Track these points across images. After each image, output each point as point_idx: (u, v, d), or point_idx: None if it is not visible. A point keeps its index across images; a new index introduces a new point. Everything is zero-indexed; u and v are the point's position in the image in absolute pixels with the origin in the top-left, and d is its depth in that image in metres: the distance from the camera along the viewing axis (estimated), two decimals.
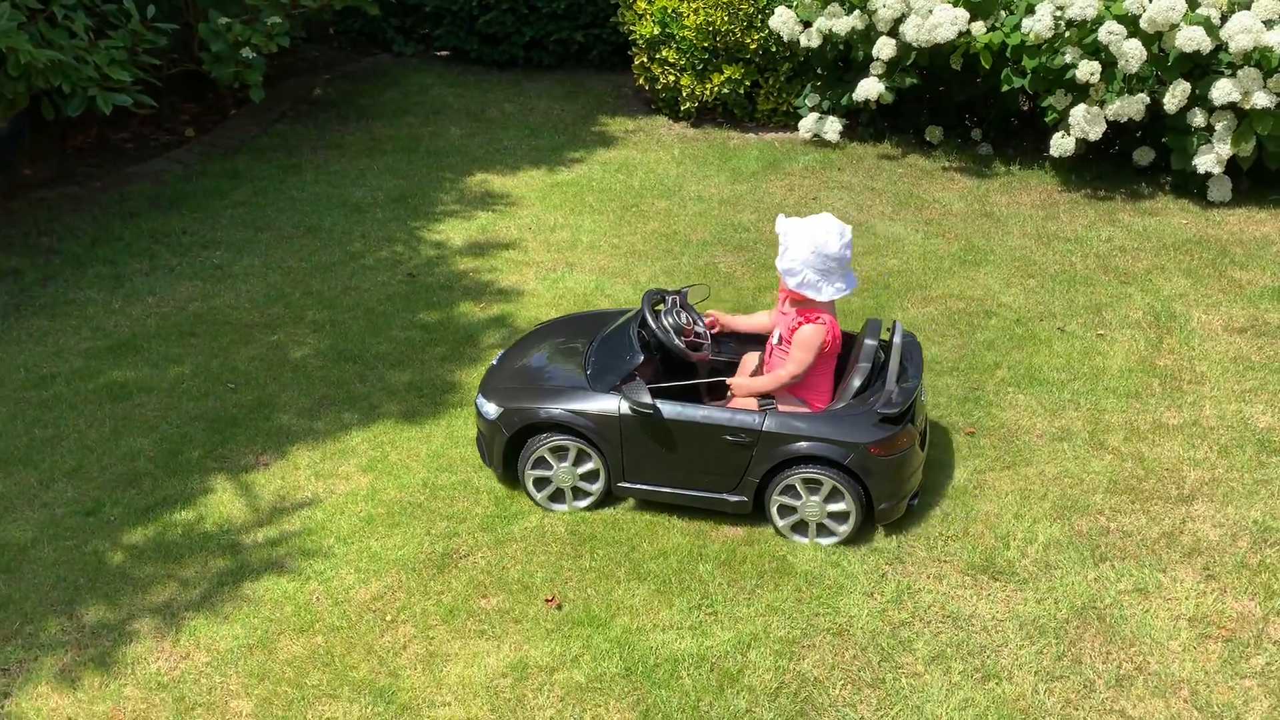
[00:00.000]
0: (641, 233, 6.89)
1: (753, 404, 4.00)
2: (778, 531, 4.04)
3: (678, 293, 4.30)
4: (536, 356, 4.35)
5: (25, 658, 3.60)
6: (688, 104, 8.58)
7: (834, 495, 3.89)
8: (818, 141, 8.21)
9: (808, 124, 8.13)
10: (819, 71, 8.21)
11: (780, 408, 3.97)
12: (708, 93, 8.44)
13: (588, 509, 4.17)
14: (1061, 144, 7.04)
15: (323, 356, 5.41)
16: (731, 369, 4.46)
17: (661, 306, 4.28)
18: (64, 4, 6.18)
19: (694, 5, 8.15)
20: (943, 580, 3.89)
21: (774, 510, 3.98)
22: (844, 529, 3.94)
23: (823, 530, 3.99)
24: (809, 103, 8.23)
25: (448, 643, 3.62)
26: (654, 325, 4.10)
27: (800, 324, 3.95)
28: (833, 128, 8.03)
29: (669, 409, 3.90)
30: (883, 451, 3.80)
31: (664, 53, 8.43)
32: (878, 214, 7.06)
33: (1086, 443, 4.64)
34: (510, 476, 4.27)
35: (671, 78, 8.51)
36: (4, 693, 3.47)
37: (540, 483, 4.15)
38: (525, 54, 10.03)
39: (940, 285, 6.04)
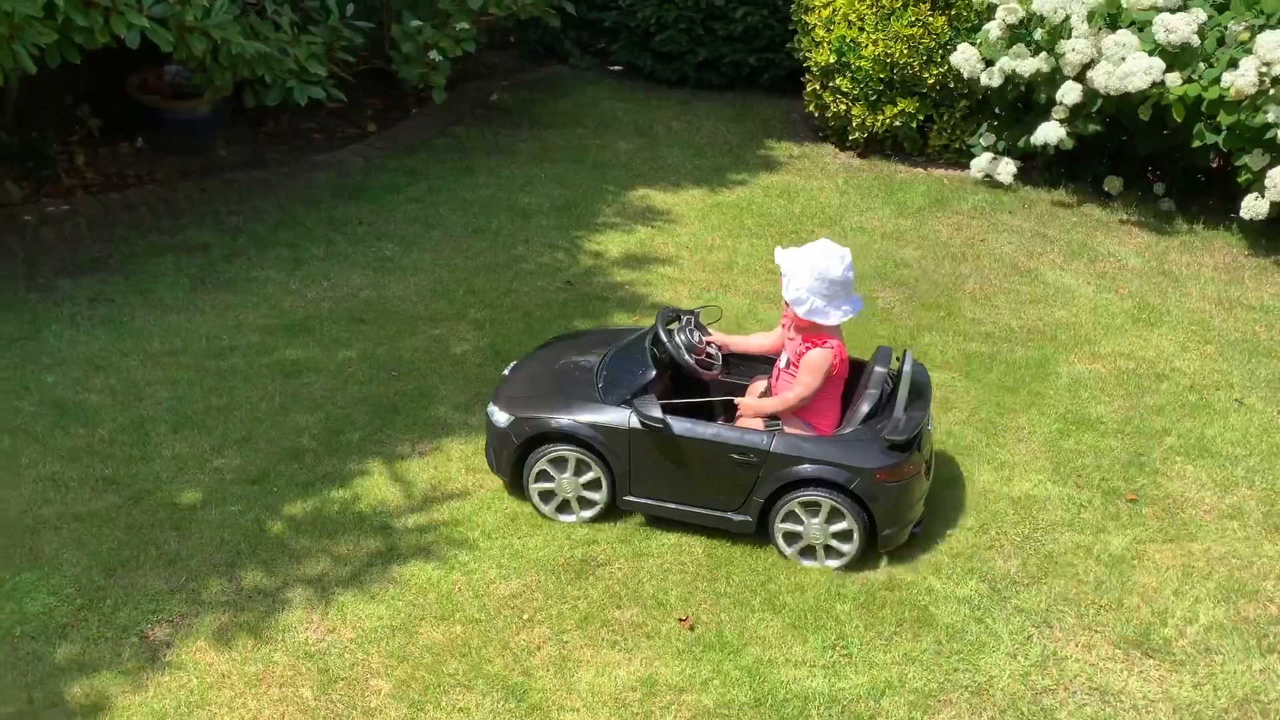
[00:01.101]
0: None
1: (759, 425, 4.00)
2: (782, 554, 4.01)
3: (692, 313, 4.33)
4: (550, 368, 4.39)
5: (188, 612, 3.80)
6: (857, 134, 8.48)
7: (836, 518, 3.88)
8: (989, 182, 8.00)
9: (980, 164, 7.93)
10: (997, 111, 8.01)
11: (786, 430, 3.97)
12: (878, 124, 8.32)
13: (592, 520, 4.17)
14: (1254, 206, 6.67)
15: (481, 354, 5.55)
16: (742, 391, 4.43)
17: (675, 325, 4.29)
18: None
19: (873, 36, 8.05)
20: (1092, 650, 3.72)
21: (778, 534, 3.98)
22: (847, 549, 3.93)
23: (828, 552, 3.97)
24: (983, 142, 8.02)
25: (580, 649, 3.66)
26: (667, 342, 4.12)
27: (808, 348, 3.96)
28: (1006, 169, 7.81)
29: (678, 425, 3.93)
30: (888, 478, 3.82)
31: (838, 81, 8.35)
32: (1048, 262, 6.83)
33: (1260, 524, 4.37)
34: (516, 485, 4.26)
35: (843, 106, 8.43)
36: (167, 642, 3.67)
37: (545, 495, 4.17)
38: (697, 73, 10.09)
39: (1110, 342, 5.79)
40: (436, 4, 8.11)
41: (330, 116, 9.31)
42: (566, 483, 4.10)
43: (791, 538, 3.97)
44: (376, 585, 3.91)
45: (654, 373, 4.06)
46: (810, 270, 3.89)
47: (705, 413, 4.23)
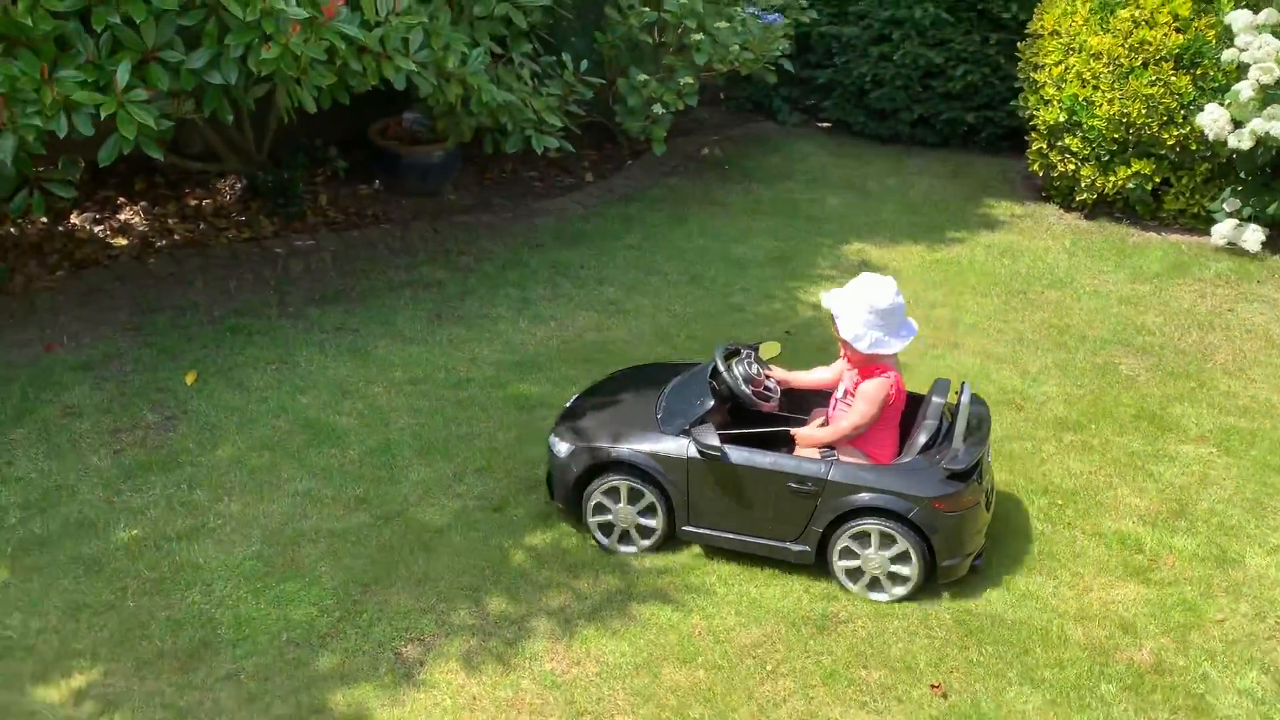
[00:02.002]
0: (1030, 321, 6.57)
1: (815, 455, 4.00)
2: (840, 583, 3.98)
3: (752, 347, 4.36)
4: (611, 399, 4.42)
5: (438, 633, 3.88)
6: (1084, 195, 8.15)
7: (893, 546, 3.85)
8: (1232, 249, 7.52)
9: (1223, 230, 7.47)
10: (1242, 175, 7.54)
11: (843, 459, 3.95)
12: (1109, 186, 7.97)
13: (650, 548, 4.15)
14: None
15: None
16: (802, 424, 4.35)
17: (734, 359, 4.27)
18: (522, 52, 6.81)
19: (1109, 95, 7.75)
20: None
21: (836, 562, 3.89)
22: (907, 580, 3.92)
23: (886, 583, 3.93)
24: (1227, 208, 7.56)
25: (828, 705, 3.54)
26: (724, 373, 4.14)
27: (865, 378, 3.96)
28: (1254, 237, 7.33)
29: (736, 454, 3.93)
30: (947, 507, 3.75)
31: (1067, 140, 8.06)
32: None
33: None
34: (575, 514, 4.24)
35: (1071, 166, 8.12)
36: (420, 660, 3.75)
37: (605, 526, 4.17)
38: (910, 130, 9.95)
39: None
40: (662, 60, 8.29)
41: (550, 166, 9.62)
42: (624, 512, 4.10)
43: (849, 566, 3.96)
44: (617, 622, 3.90)
45: (712, 403, 4.07)
46: (862, 305, 3.92)
47: (764, 444, 4.17)
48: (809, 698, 3.57)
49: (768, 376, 4.32)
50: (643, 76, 8.19)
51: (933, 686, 3.62)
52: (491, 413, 5.37)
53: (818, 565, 4.04)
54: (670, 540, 4.21)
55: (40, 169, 5.58)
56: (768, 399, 4.24)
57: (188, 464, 4.85)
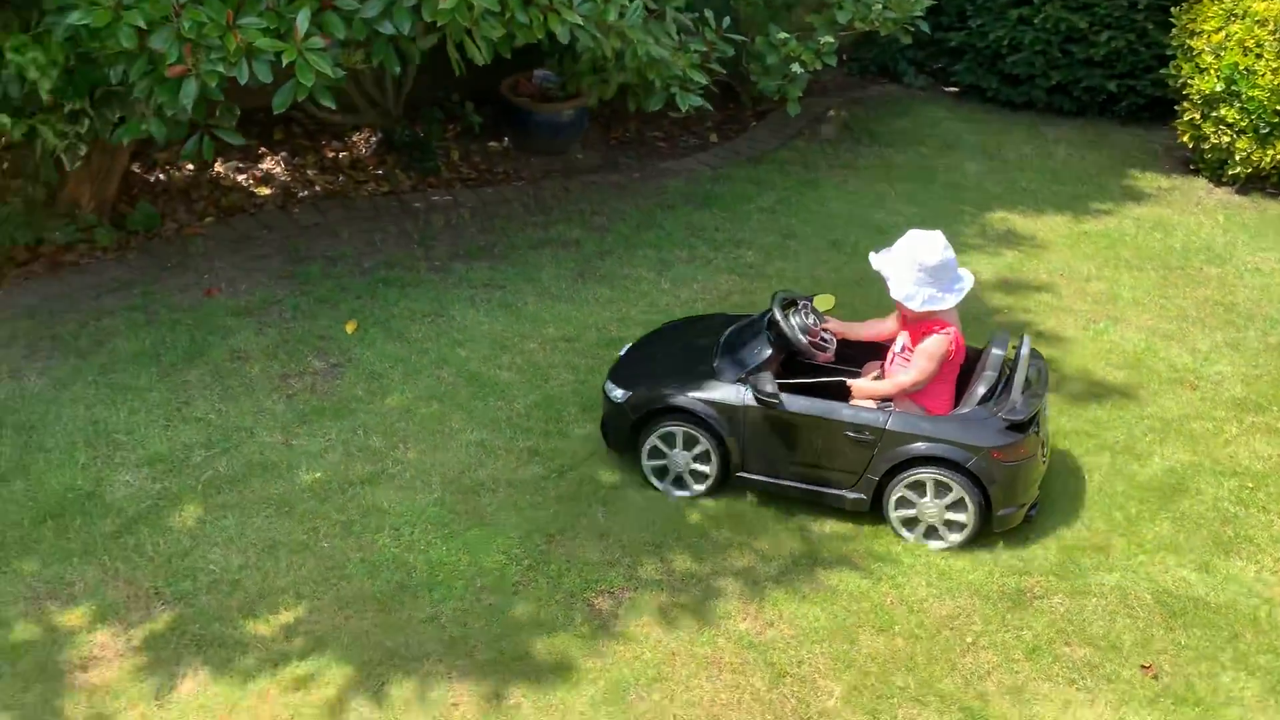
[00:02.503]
0: (1191, 298, 6.36)
1: (871, 405, 4.01)
2: (894, 531, 3.97)
3: (808, 298, 4.37)
4: (667, 347, 4.50)
5: (626, 586, 3.89)
6: (1237, 169, 7.84)
7: (950, 495, 3.88)
8: None
9: None
10: None
11: (898, 410, 3.96)
12: (1266, 160, 7.66)
13: (705, 494, 4.16)
14: None
15: None
16: (854, 376, 4.35)
17: (791, 309, 4.26)
18: (674, 7, 6.72)
19: (1273, 64, 7.41)
20: None
21: (892, 510, 3.91)
22: (962, 529, 3.94)
23: (941, 531, 3.91)
24: None
25: (1035, 680, 3.48)
26: (782, 322, 4.13)
27: (925, 333, 3.95)
28: None
29: (794, 402, 3.96)
30: (1005, 457, 3.75)
31: (1223, 111, 7.75)
32: None
33: None
34: (629, 457, 4.25)
35: (1225, 139, 7.81)
36: (613, 613, 3.77)
37: (659, 470, 4.20)
38: (1046, 97, 9.65)
39: None
40: (803, 18, 8.13)
41: (673, 126, 9.53)
42: (679, 457, 4.13)
43: (905, 515, 3.98)
44: (806, 586, 3.88)
45: (769, 352, 4.09)
46: (910, 264, 3.93)
47: (818, 393, 4.20)
48: (1014, 671, 3.51)
49: (824, 328, 4.34)
50: (783, 34, 8.03)
51: (1143, 667, 3.54)
52: None
53: (873, 513, 4.07)
54: (724, 485, 4.25)
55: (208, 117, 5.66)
56: (823, 349, 4.28)
57: (359, 411, 4.92)
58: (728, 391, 4.10)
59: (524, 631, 3.67)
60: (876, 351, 4.45)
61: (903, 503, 3.99)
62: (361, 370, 5.29)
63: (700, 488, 4.23)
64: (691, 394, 4.13)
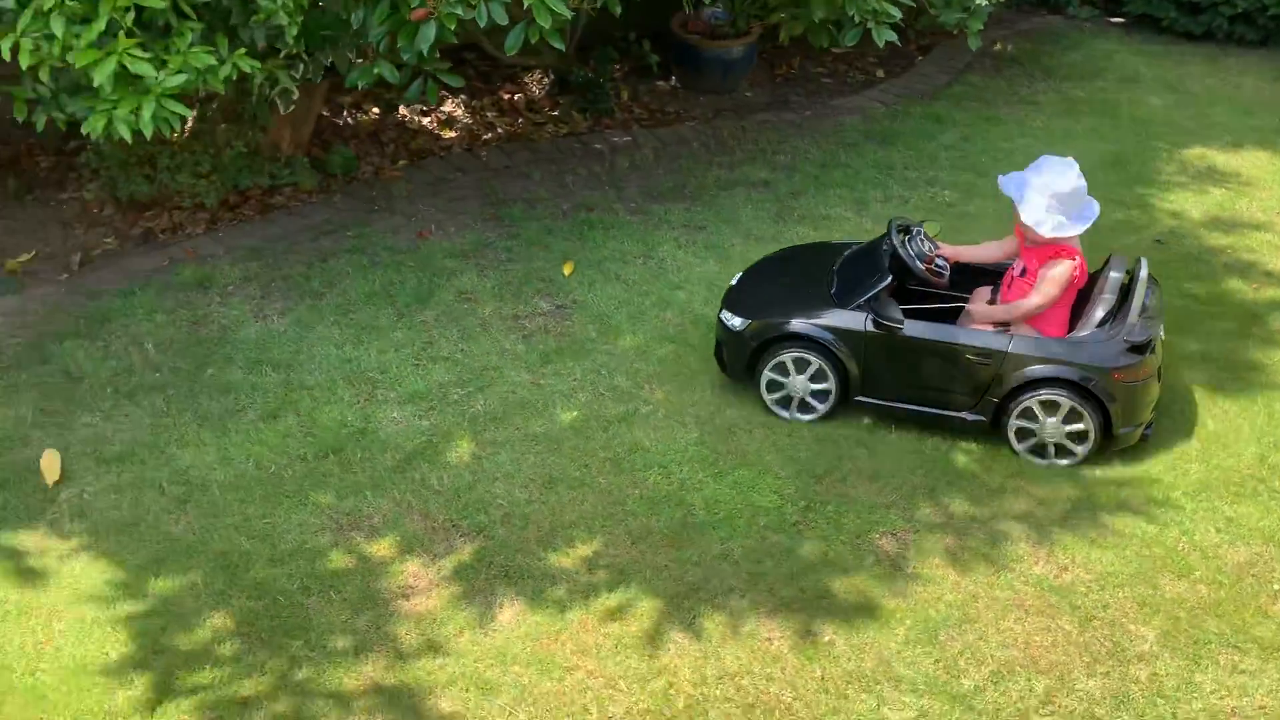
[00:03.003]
0: None
1: (990, 328, 4.07)
2: (1015, 453, 4.08)
3: (919, 224, 4.42)
4: (780, 276, 4.58)
5: (908, 529, 3.91)
6: None
7: (1073, 417, 3.95)
8: None
9: None
10: None
11: (1018, 333, 4.01)
12: None
13: (813, 421, 4.30)
14: None
15: None
16: (963, 300, 4.39)
17: (906, 235, 4.29)
18: None
19: None
20: None
21: (1012, 431, 4.05)
22: (1081, 449, 4.02)
23: (1061, 451, 4.02)
24: None
25: None
26: (900, 249, 4.19)
27: (1050, 258, 3.98)
28: None
29: (917, 327, 4.05)
30: (1126, 378, 3.87)
31: None
32: None
33: None
34: (746, 384, 4.34)
35: None
36: (901, 554, 3.80)
37: (774, 387, 4.31)
38: (1229, 26, 9.22)
39: None
40: None
41: (837, 62, 9.34)
42: (798, 383, 4.21)
43: (1025, 433, 4.06)
44: (1092, 531, 3.85)
45: (890, 278, 4.13)
46: (1044, 190, 3.92)
47: (937, 318, 4.29)
48: None
49: (939, 254, 4.37)
50: None
51: None
52: None
53: (991, 432, 4.12)
54: (842, 406, 4.35)
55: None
56: (940, 275, 4.31)
57: (595, 351, 4.99)
58: (848, 317, 4.21)
59: (818, 571, 3.71)
60: (984, 277, 4.55)
61: (1023, 426, 4.11)
62: (589, 312, 5.35)
63: (818, 412, 4.36)
64: (812, 320, 4.28)
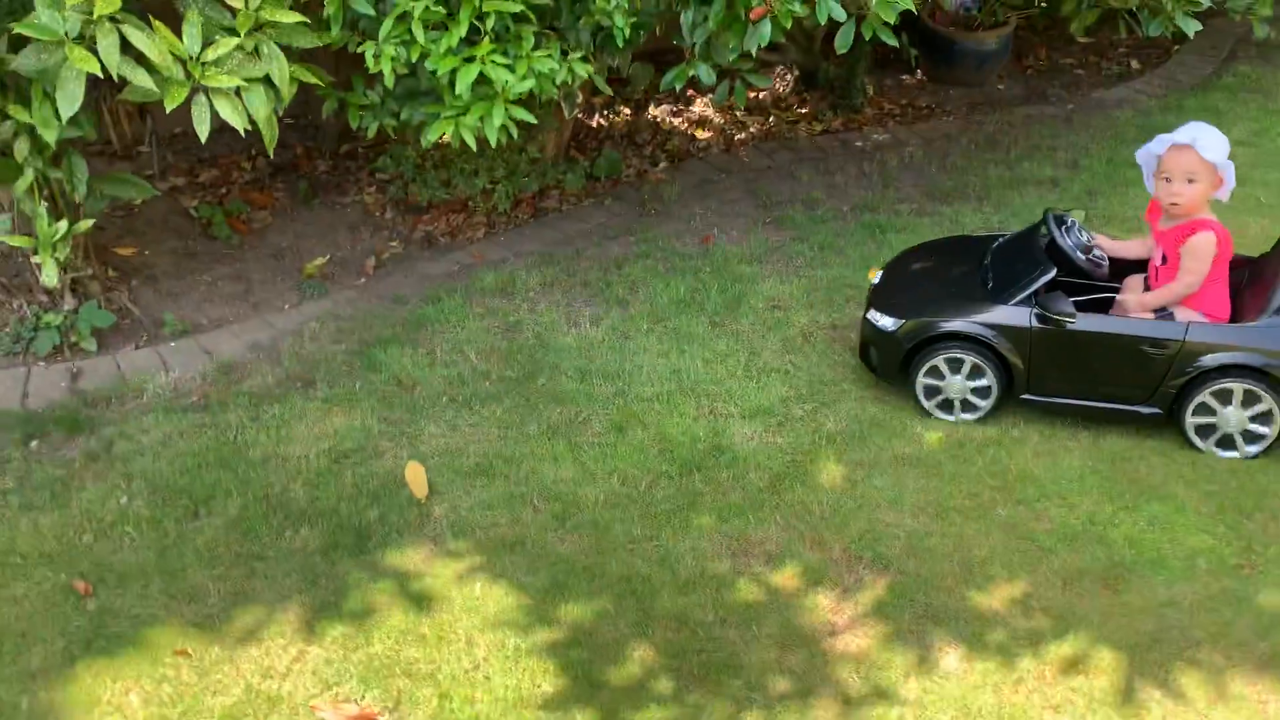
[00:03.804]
0: None
1: (1151, 317, 4.02)
2: (1192, 445, 4.02)
3: (1071, 214, 4.33)
4: (926, 272, 4.50)
5: None
6: None
7: (1254, 403, 3.89)
8: None
9: None
10: None
11: (1178, 319, 3.97)
12: None
13: (981, 418, 4.22)
14: None
15: None
16: (1113, 292, 4.34)
17: (1062, 226, 4.22)
18: None
19: None
20: None
21: (1189, 422, 4.00)
22: (1266, 436, 3.97)
23: (1229, 443, 3.99)
24: None
25: None
26: (1062, 241, 4.12)
27: (1186, 236, 3.94)
28: None
29: (1088, 320, 3.97)
30: None
31: None
32: None
33: None
34: (899, 385, 4.30)
35: None
36: None
37: (931, 391, 4.21)
38: None
39: None
40: None
41: (1086, 52, 8.88)
42: (956, 383, 4.14)
43: (1205, 428, 4.00)
44: None
45: (1054, 271, 4.04)
46: (1224, 149, 3.95)
47: (1098, 310, 4.22)
48: None
49: (1095, 244, 4.25)
50: None
51: None
52: None
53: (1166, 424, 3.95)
54: (1002, 406, 4.21)
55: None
56: (1099, 266, 4.18)
57: None
58: (1011, 313, 4.09)
59: None
60: (1133, 268, 4.41)
61: (1202, 411, 3.98)
62: None
63: (980, 411, 4.24)
64: (972, 318, 4.14)
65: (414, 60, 4.34)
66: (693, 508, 3.94)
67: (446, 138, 4.64)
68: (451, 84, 4.36)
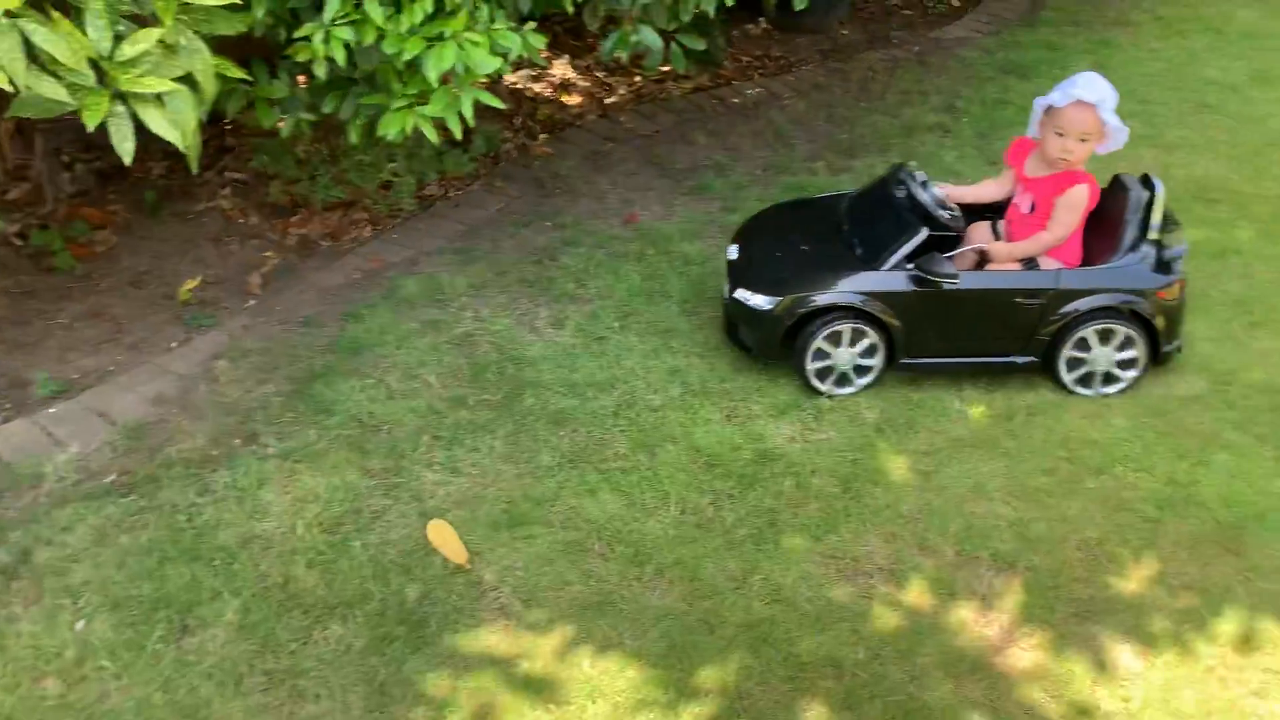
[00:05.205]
0: None
1: (1015, 268, 4.08)
2: (1065, 387, 4.13)
3: (911, 166, 4.29)
4: (786, 243, 4.35)
5: None
6: None
7: (1124, 343, 4.06)
8: None
9: None
10: None
11: (1043, 268, 4.06)
12: None
13: (867, 387, 4.16)
14: None
15: None
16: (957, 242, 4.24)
17: (913, 181, 4.17)
18: None
19: None
20: None
21: (1063, 366, 4.10)
22: (1132, 373, 4.12)
23: (1109, 380, 4.13)
24: None
25: None
26: (924, 198, 4.07)
27: (1066, 187, 3.99)
28: None
29: (968, 278, 3.95)
30: (1167, 295, 4.01)
31: None
32: None
33: None
34: (783, 365, 4.18)
35: None
36: None
37: (823, 373, 4.14)
38: None
39: None
40: None
41: None
42: (844, 355, 4.08)
43: (1075, 364, 4.12)
44: None
45: (925, 231, 3.98)
46: (1113, 99, 3.95)
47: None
48: None
49: (948, 199, 4.15)
50: None
51: None
52: None
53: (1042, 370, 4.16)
54: (886, 374, 4.21)
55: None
56: (958, 220, 4.08)
57: None
58: (887, 278, 4.01)
59: None
60: (972, 216, 4.37)
61: (1074, 357, 4.10)
62: None
63: (864, 382, 4.18)
64: (850, 288, 4.03)
65: (368, 43, 3.63)
66: (775, 528, 3.59)
67: (392, 134, 3.95)
68: (403, 69, 3.70)
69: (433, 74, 3.62)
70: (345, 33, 3.57)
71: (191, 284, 4.97)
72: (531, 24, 4.18)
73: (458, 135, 3.95)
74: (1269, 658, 3.18)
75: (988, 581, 3.40)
